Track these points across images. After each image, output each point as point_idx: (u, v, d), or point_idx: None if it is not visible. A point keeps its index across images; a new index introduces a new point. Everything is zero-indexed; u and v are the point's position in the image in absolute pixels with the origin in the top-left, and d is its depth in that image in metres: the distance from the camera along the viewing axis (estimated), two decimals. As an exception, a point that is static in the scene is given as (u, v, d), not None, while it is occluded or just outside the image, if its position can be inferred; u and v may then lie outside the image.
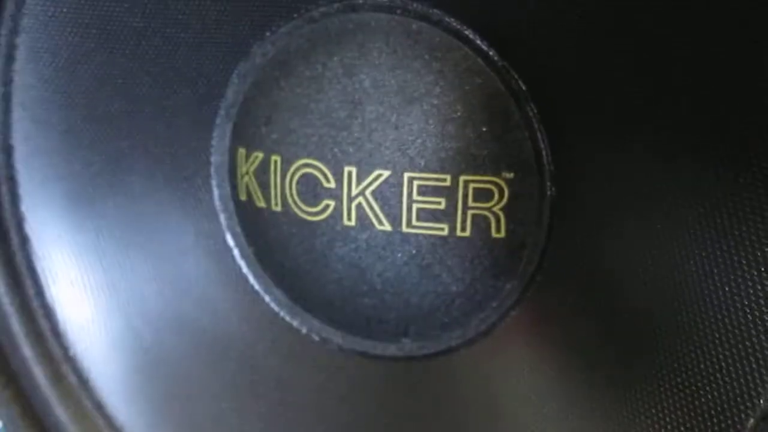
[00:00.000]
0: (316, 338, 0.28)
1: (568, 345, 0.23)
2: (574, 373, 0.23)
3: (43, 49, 0.25)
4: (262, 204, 0.27)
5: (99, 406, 0.29)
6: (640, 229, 0.22)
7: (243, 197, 0.27)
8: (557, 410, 0.23)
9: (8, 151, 0.26)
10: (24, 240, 0.28)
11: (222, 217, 0.28)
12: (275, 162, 0.26)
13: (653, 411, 0.21)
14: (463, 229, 0.23)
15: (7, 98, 0.26)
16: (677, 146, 0.21)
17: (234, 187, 0.28)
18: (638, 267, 0.22)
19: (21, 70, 0.25)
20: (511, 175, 0.23)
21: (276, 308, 0.28)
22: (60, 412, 0.29)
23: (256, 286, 0.29)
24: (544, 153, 0.23)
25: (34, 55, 0.25)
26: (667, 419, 0.21)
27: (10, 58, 0.25)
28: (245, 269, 0.29)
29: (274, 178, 0.26)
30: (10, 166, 0.27)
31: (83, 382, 0.29)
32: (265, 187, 0.26)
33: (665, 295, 0.21)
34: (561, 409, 0.23)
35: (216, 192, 0.28)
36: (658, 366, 0.21)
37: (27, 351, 0.29)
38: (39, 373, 0.29)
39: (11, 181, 0.27)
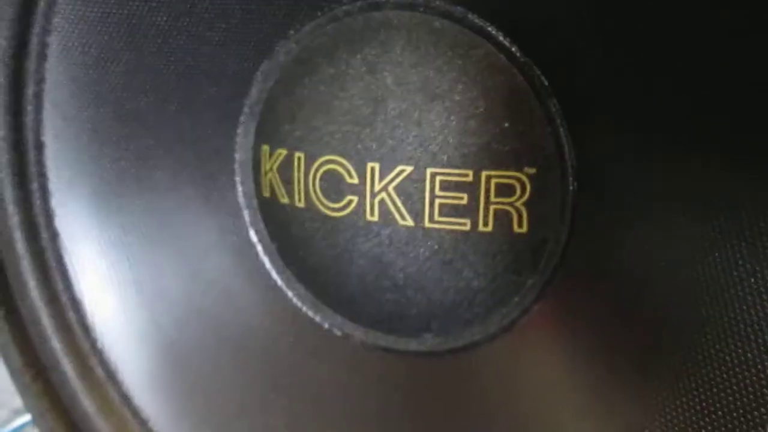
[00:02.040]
0: (339, 333, 0.28)
1: (591, 339, 0.23)
2: (597, 367, 0.23)
3: (73, 47, 0.25)
4: (285, 200, 0.27)
5: (125, 399, 0.29)
6: (662, 225, 0.22)
7: (266, 194, 0.28)
8: (581, 404, 0.23)
9: (40, 148, 0.27)
10: (54, 235, 0.28)
11: (245, 214, 0.29)
12: (299, 159, 0.26)
13: (678, 403, 0.21)
14: (485, 224, 0.24)
15: (39, 96, 0.26)
16: (701, 144, 0.21)
17: (257, 184, 0.28)
18: (660, 262, 0.22)
19: (52, 68, 0.26)
20: (533, 171, 0.23)
21: (298, 304, 0.29)
22: (87, 404, 0.29)
23: (279, 282, 0.29)
24: (566, 148, 0.23)
25: (65, 53, 0.26)
26: (692, 411, 0.21)
27: (42, 56, 0.25)
28: (268, 265, 0.29)
29: (298, 175, 0.26)
30: (41, 162, 0.27)
31: (110, 375, 0.29)
32: (288, 183, 0.27)
33: (687, 290, 0.21)
34: (584, 402, 0.23)
35: (239, 189, 0.29)
36: (681, 359, 0.21)
37: (55, 344, 0.29)
38: (67, 366, 0.29)
39: (42, 177, 0.27)
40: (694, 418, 0.21)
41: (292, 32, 0.26)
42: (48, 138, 0.27)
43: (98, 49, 0.26)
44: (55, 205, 0.28)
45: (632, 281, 0.23)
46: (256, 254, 0.29)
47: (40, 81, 0.26)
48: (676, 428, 0.21)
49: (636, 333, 0.23)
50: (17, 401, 0.41)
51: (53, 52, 0.26)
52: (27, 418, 0.39)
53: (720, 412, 0.20)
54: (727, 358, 0.20)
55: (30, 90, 0.26)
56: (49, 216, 0.28)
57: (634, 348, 0.23)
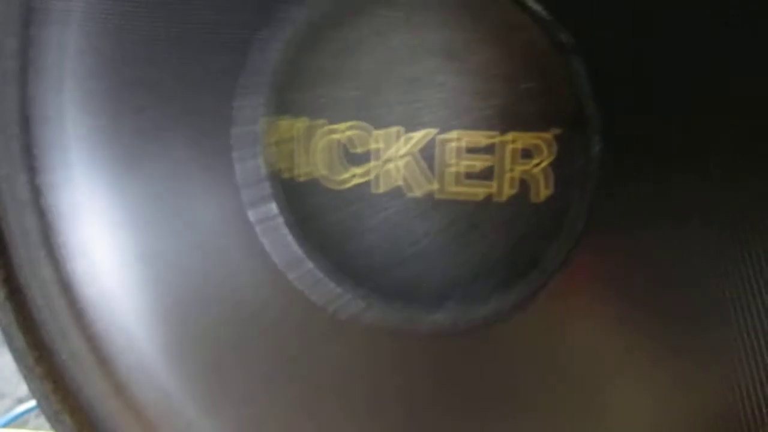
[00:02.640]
0: (348, 314, 0.27)
1: (618, 308, 0.22)
2: (624, 337, 0.22)
3: (94, 14, 0.25)
4: (292, 173, 0.26)
5: (129, 382, 0.29)
6: (689, 190, 0.21)
7: (273, 168, 0.27)
8: (608, 376, 0.22)
9: (61, 118, 0.26)
10: (59, 210, 0.28)
11: (251, 190, 0.28)
12: (307, 128, 0.25)
13: (706, 374, 0.20)
14: (506, 189, 0.23)
15: (61, 65, 0.25)
16: (727, 113, 0.20)
17: (264, 158, 0.27)
18: (688, 229, 0.21)
19: (74, 35, 0.25)
20: (556, 132, 0.22)
21: (307, 283, 0.28)
22: (92, 387, 0.29)
23: (287, 261, 0.28)
24: (590, 108, 0.22)
25: (86, 20, 0.25)
26: (722, 381, 0.20)
27: (66, 24, 0.25)
28: (275, 243, 0.28)
29: (306, 145, 0.25)
30: (61, 133, 0.26)
31: (113, 357, 0.29)
32: (296, 155, 0.26)
33: (711, 261, 0.21)
34: (612, 375, 0.22)
35: (245, 164, 0.28)
36: (709, 328, 0.21)
37: (58, 325, 0.28)
38: (70, 348, 0.28)
39: (62, 148, 0.27)
40: (723, 388, 0.20)
41: (302, -2, 0.25)
42: (69, 108, 0.26)
43: (118, 18, 0.25)
44: (69, 178, 0.27)
45: (660, 248, 0.22)
46: (263, 232, 0.28)
47: (63, 48, 0.25)
48: (704, 401, 0.21)
49: (664, 301, 0.22)
50: (20, 390, 0.40)
51: (74, 19, 0.25)
52: (30, 404, 0.39)
53: (743, 383, 0.20)
54: (752, 333, 0.20)
55: (43, 60, 0.26)
56: (57, 191, 0.27)
57: (662, 316, 0.22)
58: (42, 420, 0.30)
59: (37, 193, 0.27)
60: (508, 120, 0.22)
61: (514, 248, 0.23)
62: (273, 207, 0.28)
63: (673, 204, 0.21)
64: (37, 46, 0.25)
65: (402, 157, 0.24)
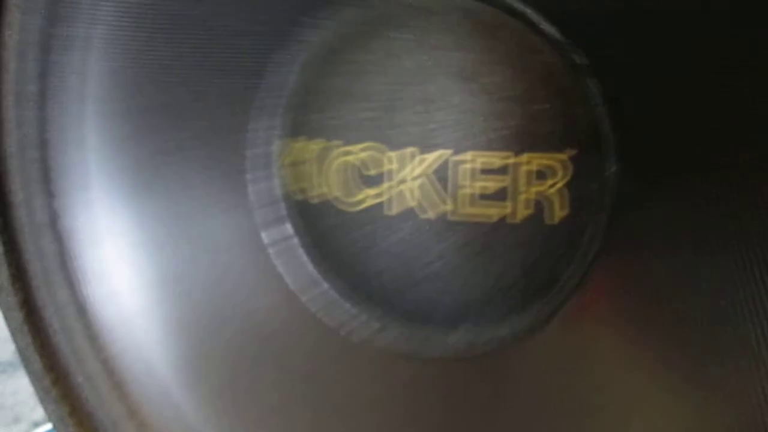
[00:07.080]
0: (361, 337, 0.27)
1: (636, 331, 0.22)
2: (644, 361, 0.22)
3: (116, 40, 0.25)
4: (306, 195, 0.26)
5: (146, 404, 0.29)
6: (709, 213, 0.21)
7: (286, 190, 0.27)
8: (627, 401, 0.22)
9: (82, 141, 0.27)
10: (77, 233, 0.28)
11: (264, 212, 0.28)
12: (321, 150, 0.25)
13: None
14: (520, 211, 0.23)
15: (83, 90, 0.26)
16: (747, 131, 0.20)
17: (277, 180, 0.27)
18: (707, 254, 0.21)
19: (96, 61, 0.25)
20: (572, 153, 0.22)
21: (317, 307, 0.28)
22: (108, 409, 0.29)
23: (299, 284, 0.28)
24: (605, 129, 0.22)
25: (108, 46, 0.25)
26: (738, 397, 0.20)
27: (88, 50, 0.25)
28: (288, 266, 0.28)
29: (320, 167, 0.25)
30: (79, 156, 0.27)
31: (130, 379, 0.29)
32: (308, 177, 0.26)
33: (730, 287, 0.20)
34: (631, 399, 0.22)
35: (259, 185, 0.28)
36: (725, 360, 0.20)
37: (75, 347, 0.28)
38: (87, 370, 0.28)
39: (81, 171, 0.27)
40: (742, 419, 0.20)
41: (317, 20, 0.25)
42: (89, 132, 0.27)
43: (138, 42, 0.26)
44: (87, 201, 0.28)
45: (678, 272, 0.22)
46: (276, 254, 0.28)
47: (84, 73, 0.26)
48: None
49: (682, 328, 0.21)
50: (36, 414, 0.40)
51: (95, 44, 0.25)
52: (47, 427, 0.39)
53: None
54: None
55: (62, 84, 0.26)
56: (73, 213, 0.28)
57: (681, 344, 0.21)
58: (57, 443, 0.29)
59: (55, 216, 0.27)
60: (523, 141, 0.22)
61: (529, 270, 0.23)
62: (287, 228, 0.28)
63: (692, 227, 0.21)
64: (58, 71, 0.25)
65: (416, 178, 0.24)
